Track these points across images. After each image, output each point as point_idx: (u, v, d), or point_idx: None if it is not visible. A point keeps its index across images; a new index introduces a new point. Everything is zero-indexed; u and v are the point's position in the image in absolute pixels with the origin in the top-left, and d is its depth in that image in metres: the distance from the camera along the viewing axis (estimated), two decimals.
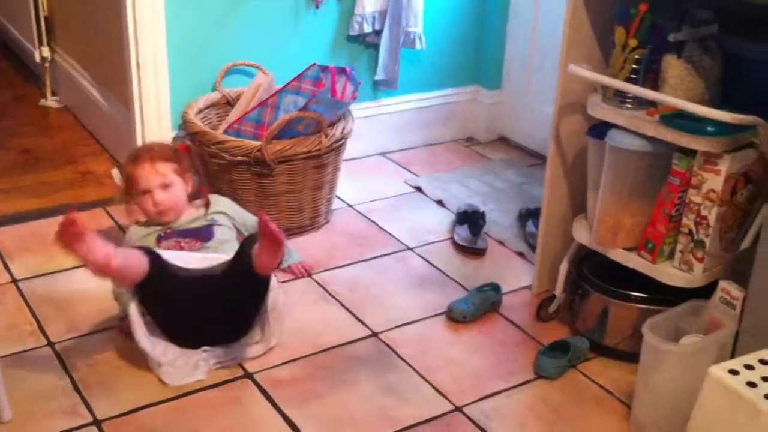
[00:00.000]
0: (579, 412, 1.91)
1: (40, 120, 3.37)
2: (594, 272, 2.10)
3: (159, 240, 2.14)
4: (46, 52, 3.41)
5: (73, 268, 2.35)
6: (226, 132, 2.53)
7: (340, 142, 2.55)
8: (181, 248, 2.11)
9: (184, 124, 2.52)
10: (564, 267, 2.17)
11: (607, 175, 1.98)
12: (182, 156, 2.23)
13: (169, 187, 2.15)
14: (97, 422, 1.82)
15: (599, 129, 2.00)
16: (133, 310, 1.92)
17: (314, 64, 2.55)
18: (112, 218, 2.63)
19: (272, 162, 2.40)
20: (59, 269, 2.35)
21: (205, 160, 2.50)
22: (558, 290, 2.18)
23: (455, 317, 2.19)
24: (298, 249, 2.46)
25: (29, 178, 2.87)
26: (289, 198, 2.50)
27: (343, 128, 2.56)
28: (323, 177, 2.56)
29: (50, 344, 2.05)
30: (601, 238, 2.03)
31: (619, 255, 2.01)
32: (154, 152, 2.19)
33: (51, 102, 3.49)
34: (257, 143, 2.40)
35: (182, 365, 1.96)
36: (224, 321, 2.00)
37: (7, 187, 2.79)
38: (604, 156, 1.98)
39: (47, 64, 3.45)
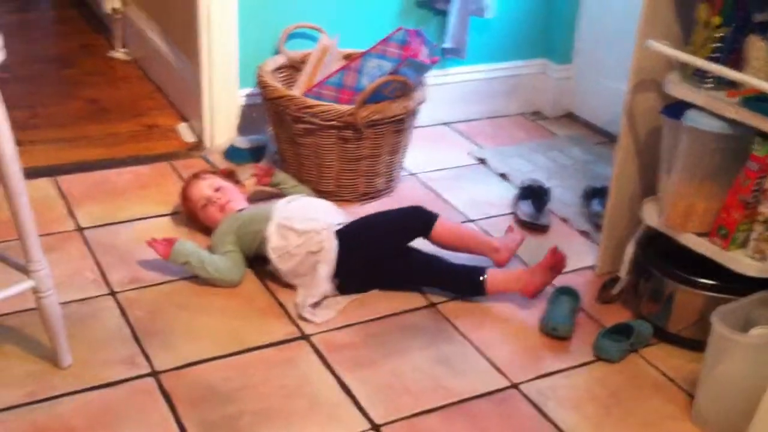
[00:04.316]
0: (638, 398, 1.88)
1: (108, 71, 3.39)
2: (661, 256, 2.05)
3: None
4: (116, 3, 3.43)
5: (138, 219, 2.38)
6: (306, 95, 2.52)
7: (420, 105, 2.55)
8: None
9: (264, 89, 2.51)
10: (630, 249, 2.12)
11: (681, 157, 1.92)
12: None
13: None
14: (154, 373, 1.84)
15: (676, 108, 1.94)
16: None
17: (401, 28, 2.52)
18: (177, 172, 2.64)
19: (363, 126, 2.39)
20: (124, 219, 2.37)
21: (285, 124, 2.49)
22: (623, 272, 2.13)
23: (563, 334, 2.02)
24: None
25: (96, 128, 2.89)
26: (370, 162, 2.51)
27: (423, 91, 2.56)
28: (401, 141, 2.56)
29: (112, 293, 2.08)
30: (671, 221, 1.97)
31: (689, 240, 1.96)
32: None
33: (119, 54, 3.51)
34: (348, 107, 2.40)
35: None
36: None
37: (74, 136, 2.83)
38: (679, 137, 1.92)
39: (118, 16, 3.47)
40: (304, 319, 2.02)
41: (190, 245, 2.12)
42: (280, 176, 2.46)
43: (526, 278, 2.09)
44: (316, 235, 2.09)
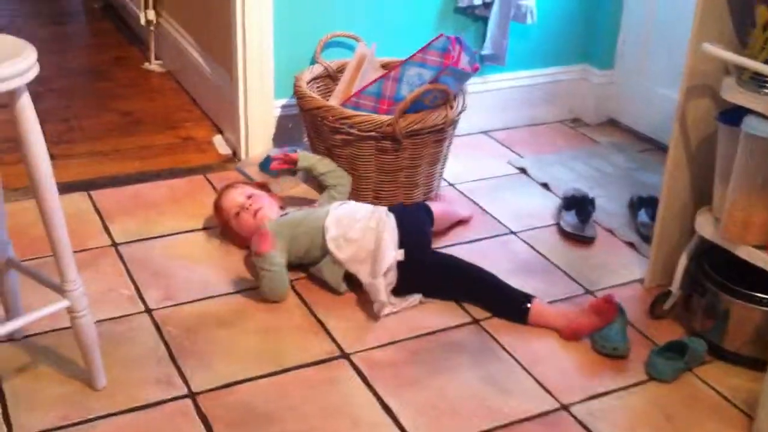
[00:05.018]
0: (694, 420, 1.79)
1: (142, 83, 3.37)
2: (716, 269, 1.96)
3: None
4: (151, 15, 3.41)
5: (173, 234, 2.33)
6: (343, 106, 2.46)
7: (461, 115, 2.48)
8: None
9: (301, 100, 2.45)
10: (683, 261, 2.03)
11: (739, 165, 1.83)
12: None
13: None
14: (191, 394, 1.78)
15: (732, 114, 1.86)
16: None
17: (441, 35, 2.45)
18: (212, 185, 2.60)
19: (402, 136, 2.33)
20: (159, 234, 2.33)
21: (323, 135, 2.44)
22: (675, 286, 2.04)
23: (623, 353, 1.94)
24: None
25: (130, 141, 2.86)
26: (408, 173, 2.45)
27: (463, 100, 2.49)
28: (441, 151, 2.49)
29: (147, 311, 2.03)
30: (728, 233, 1.88)
31: (747, 252, 1.87)
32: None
33: (154, 66, 3.49)
34: (387, 118, 2.34)
35: None
36: None
37: (108, 149, 2.80)
38: (736, 144, 1.83)
39: (152, 28, 3.45)
40: (387, 314, 2.03)
41: (279, 258, 2.07)
42: (310, 159, 2.38)
43: (571, 317, 2.00)
44: (374, 213, 2.15)
